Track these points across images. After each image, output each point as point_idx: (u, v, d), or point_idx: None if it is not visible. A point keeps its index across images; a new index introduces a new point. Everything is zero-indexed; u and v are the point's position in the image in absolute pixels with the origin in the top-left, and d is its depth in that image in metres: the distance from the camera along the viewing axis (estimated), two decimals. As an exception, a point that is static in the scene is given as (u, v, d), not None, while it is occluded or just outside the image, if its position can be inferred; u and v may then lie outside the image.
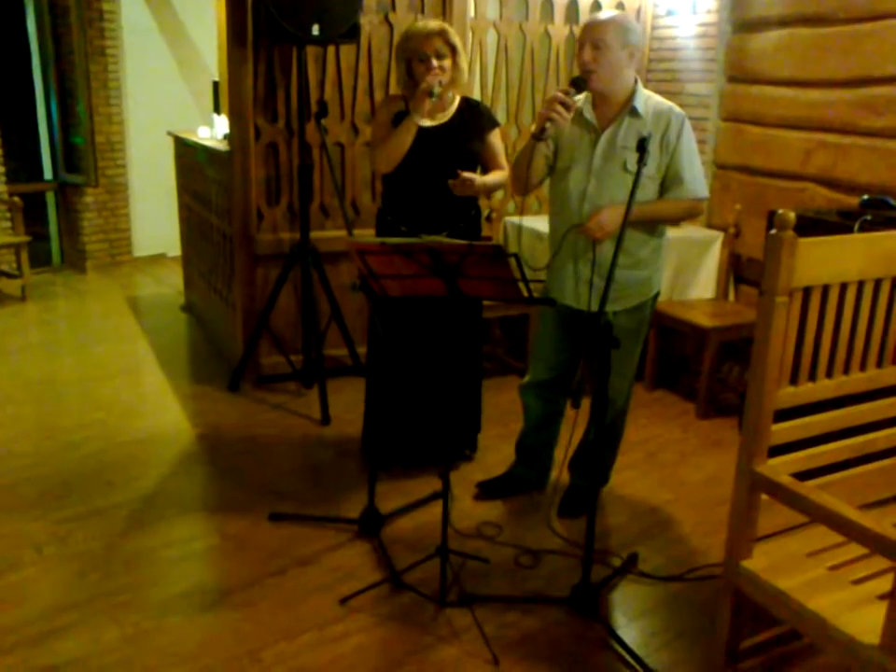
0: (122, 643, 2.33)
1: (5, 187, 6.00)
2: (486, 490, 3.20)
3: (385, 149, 2.99)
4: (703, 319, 3.99)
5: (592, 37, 2.54)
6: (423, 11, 4.13)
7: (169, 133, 5.53)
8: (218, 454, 3.53)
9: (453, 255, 2.18)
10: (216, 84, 5.34)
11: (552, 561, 2.79)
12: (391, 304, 2.94)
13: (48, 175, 6.82)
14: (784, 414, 1.96)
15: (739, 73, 4.26)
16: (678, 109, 2.66)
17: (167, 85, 6.72)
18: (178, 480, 3.30)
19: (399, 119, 3.01)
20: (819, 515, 1.78)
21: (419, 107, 2.91)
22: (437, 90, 2.88)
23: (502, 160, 3.15)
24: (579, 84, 2.54)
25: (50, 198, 6.84)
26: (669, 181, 2.67)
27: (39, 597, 2.51)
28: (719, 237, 4.33)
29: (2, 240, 5.76)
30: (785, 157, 4.04)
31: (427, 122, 2.99)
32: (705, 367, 4.01)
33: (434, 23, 2.97)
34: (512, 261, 2.11)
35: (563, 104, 2.46)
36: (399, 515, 3.01)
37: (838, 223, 3.08)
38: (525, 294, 2.25)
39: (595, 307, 2.71)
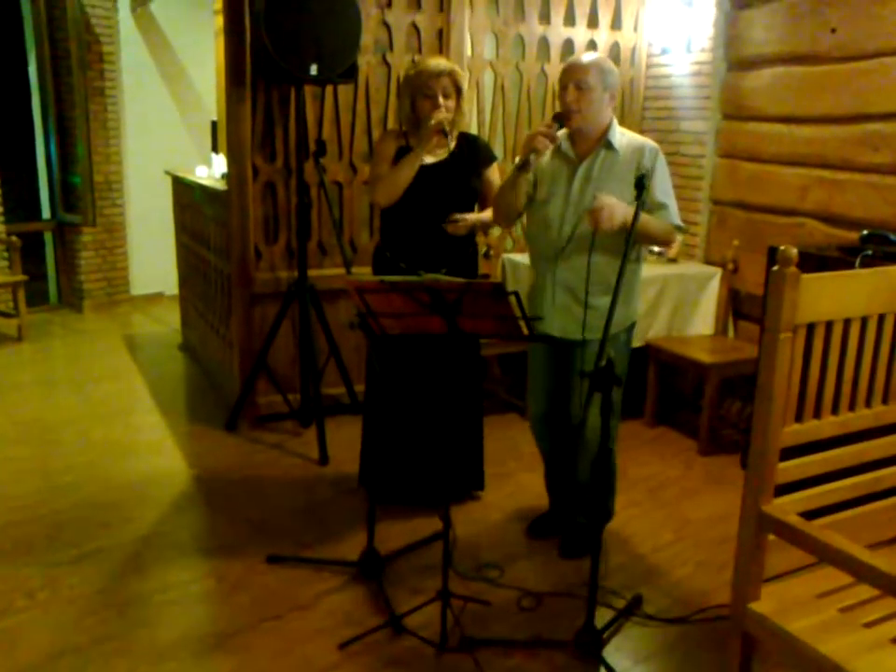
0: (115, 692, 2.27)
1: (3, 226, 6.00)
2: (534, 530, 3.17)
3: (386, 183, 3.00)
4: (703, 356, 3.98)
5: (575, 79, 2.64)
6: (420, 51, 4.17)
7: (167, 173, 5.55)
8: (215, 494, 3.48)
9: (452, 293, 2.17)
10: (214, 124, 5.37)
11: (554, 603, 2.73)
12: (389, 342, 2.92)
13: (46, 214, 6.83)
14: (790, 452, 1.93)
15: (734, 110, 4.29)
16: (651, 143, 2.75)
17: (166, 125, 6.76)
18: (174, 521, 3.25)
19: (401, 154, 3.02)
20: (829, 556, 1.74)
21: (426, 143, 2.93)
22: (448, 127, 2.91)
23: None
24: (560, 119, 2.65)
25: (48, 237, 6.84)
26: (653, 208, 2.70)
27: (31, 644, 2.45)
28: (717, 273, 4.33)
29: (-1, 279, 5.75)
30: (781, 193, 4.05)
31: (429, 159, 3.00)
32: (706, 403, 3.98)
33: (445, 63, 3.02)
34: (512, 299, 2.10)
35: (546, 136, 2.58)
36: (399, 556, 2.96)
37: (839, 258, 3.08)
38: (525, 331, 2.23)
39: (569, 334, 2.74)
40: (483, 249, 4.42)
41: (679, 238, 4.34)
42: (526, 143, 2.63)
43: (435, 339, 2.42)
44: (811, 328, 1.86)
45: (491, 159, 3.18)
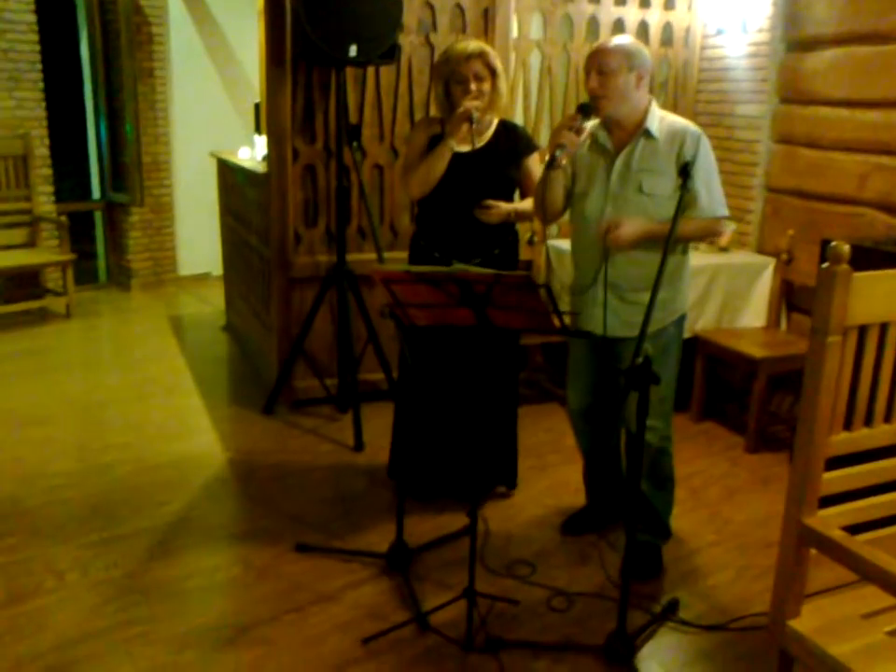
0: (136, 680, 2.26)
1: (54, 206, 6.08)
2: (569, 527, 3.09)
3: (418, 175, 2.92)
4: (753, 349, 3.82)
5: (597, 64, 2.54)
6: (465, 31, 4.06)
7: (211, 154, 5.55)
8: (249, 479, 3.47)
9: (481, 284, 2.08)
10: (257, 106, 5.34)
11: (586, 604, 2.64)
12: (422, 331, 2.85)
13: (96, 194, 6.91)
14: (837, 462, 1.81)
15: (792, 93, 4.10)
16: (693, 127, 2.60)
17: (213, 106, 6.75)
18: (206, 506, 3.24)
19: (435, 142, 2.94)
20: (872, 575, 1.62)
21: (456, 132, 2.84)
22: (476, 115, 2.80)
23: None
24: (585, 109, 2.53)
25: (98, 217, 6.92)
26: (692, 199, 2.57)
27: (55, 627, 2.45)
28: (770, 263, 4.16)
29: (49, 258, 5.83)
30: (840, 181, 3.86)
31: (463, 147, 2.90)
32: (754, 399, 3.83)
33: (474, 45, 2.89)
34: (543, 292, 2.01)
35: (571, 129, 2.47)
36: (427, 550, 2.90)
37: (898, 253, 2.91)
38: (558, 325, 2.14)
39: (612, 331, 2.63)
40: (527, 235, 4.31)
41: (730, 227, 4.19)
42: (552, 139, 2.53)
43: (469, 329, 2.34)
44: (863, 330, 1.73)
45: (532, 147, 3.05)
